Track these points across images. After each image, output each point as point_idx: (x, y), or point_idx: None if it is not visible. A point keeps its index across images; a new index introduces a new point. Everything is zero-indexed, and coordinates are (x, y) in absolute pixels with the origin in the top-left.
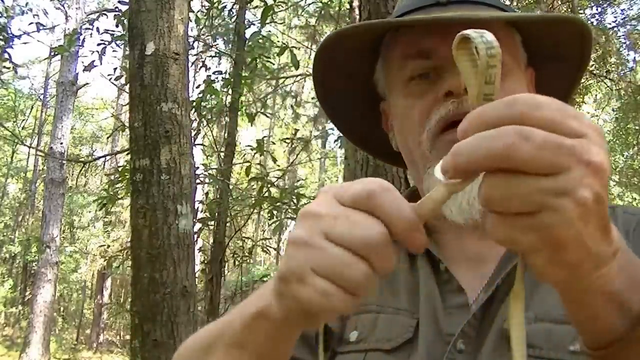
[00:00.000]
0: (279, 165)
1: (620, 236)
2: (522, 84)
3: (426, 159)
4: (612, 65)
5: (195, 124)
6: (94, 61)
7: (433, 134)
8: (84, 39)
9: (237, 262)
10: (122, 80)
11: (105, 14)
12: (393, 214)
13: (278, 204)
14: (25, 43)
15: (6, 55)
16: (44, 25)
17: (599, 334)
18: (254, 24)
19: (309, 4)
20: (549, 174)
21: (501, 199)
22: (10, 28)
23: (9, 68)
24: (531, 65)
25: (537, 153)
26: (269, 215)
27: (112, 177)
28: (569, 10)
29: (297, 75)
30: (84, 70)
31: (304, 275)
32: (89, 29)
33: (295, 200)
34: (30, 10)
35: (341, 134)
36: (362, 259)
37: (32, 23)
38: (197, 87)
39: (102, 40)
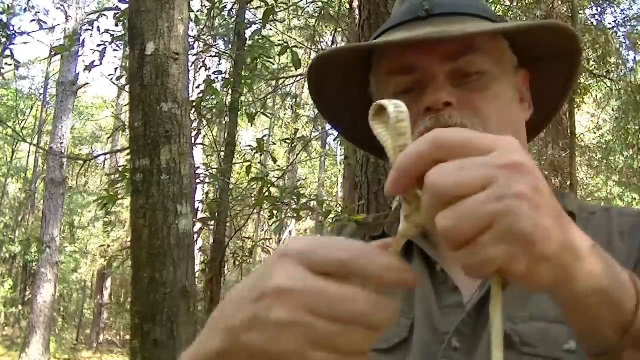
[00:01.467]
0: (279, 166)
1: (587, 236)
2: (507, 88)
3: None
4: (612, 65)
5: (195, 124)
6: (94, 61)
7: None
8: (84, 39)
9: (237, 262)
10: (123, 81)
11: (104, 15)
12: (376, 275)
13: (278, 203)
14: (25, 43)
15: (7, 52)
16: (45, 23)
17: (600, 337)
18: (254, 24)
19: (309, 3)
20: (482, 190)
21: (457, 225)
22: (12, 26)
23: (10, 65)
24: (526, 65)
25: (457, 178)
26: (270, 215)
27: (113, 177)
28: (569, 10)
29: (296, 76)
30: (84, 70)
31: (306, 354)
32: (89, 29)
33: (295, 200)
34: (33, 7)
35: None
36: (356, 325)
37: (33, 20)
38: (197, 87)
39: (102, 41)
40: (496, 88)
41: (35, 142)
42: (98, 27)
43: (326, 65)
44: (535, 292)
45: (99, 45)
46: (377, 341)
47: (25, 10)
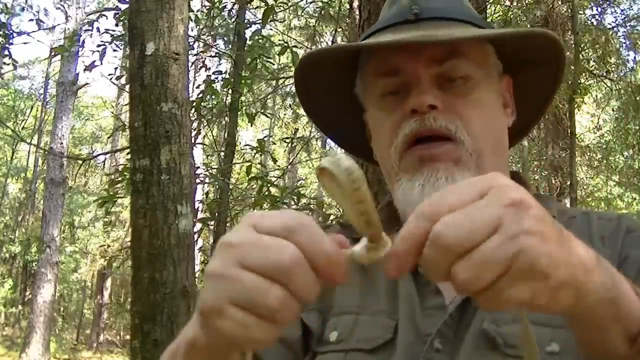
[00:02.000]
0: (279, 166)
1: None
2: (490, 94)
3: (394, 171)
4: (612, 65)
5: (195, 124)
6: (94, 61)
7: (400, 150)
8: (83, 40)
9: None
10: (123, 80)
11: (104, 15)
12: (310, 250)
13: (278, 203)
14: (25, 43)
15: (6, 52)
16: (43, 22)
17: (607, 348)
18: (254, 24)
19: (309, 3)
20: (492, 233)
21: (478, 275)
22: (11, 25)
23: (8, 64)
24: (511, 70)
25: (469, 227)
26: None
27: (113, 177)
28: (569, 10)
29: None
30: (84, 69)
31: (223, 308)
32: (89, 29)
33: (295, 200)
34: (31, 7)
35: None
36: (276, 283)
37: (32, 20)
38: (197, 87)
39: (102, 41)
40: (480, 94)
41: (35, 142)
42: (97, 28)
43: (313, 65)
44: (556, 314)
45: (99, 46)
46: (362, 342)
47: (23, 9)
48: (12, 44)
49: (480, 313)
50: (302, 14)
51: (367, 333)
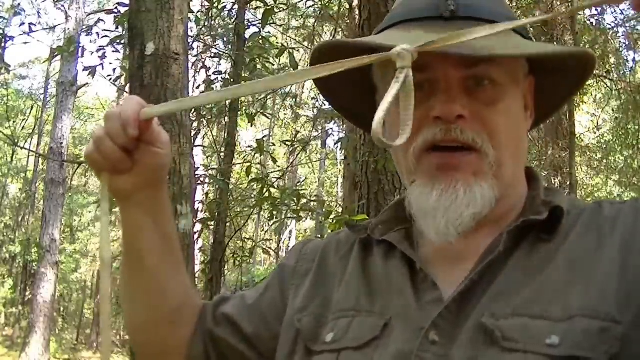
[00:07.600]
0: (279, 166)
1: None
2: (516, 100)
3: (410, 172)
4: (612, 65)
5: (195, 124)
6: (96, 66)
7: (418, 153)
8: (82, 45)
9: (237, 262)
10: (122, 81)
11: (106, 16)
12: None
13: (278, 204)
14: (25, 43)
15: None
16: (35, 24)
17: None
18: (253, 25)
19: (309, 7)
20: None
21: None
22: (10, 28)
23: (1, 67)
24: (534, 71)
25: None
26: (269, 216)
27: None
28: (568, 9)
29: None
30: (84, 70)
31: (92, 153)
32: (90, 29)
33: (295, 201)
34: (24, 10)
35: (342, 133)
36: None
37: (23, 24)
38: (197, 87)
39: (101, 45)
40: (507, 101)
41: (35, 142)
42: (97, 33)
43: (332, 51)
44: None
45: (99, 50)
46: (351, 341)
47: (15, 14)
48: (4, 48)
49: (479, 307)
50: (302, 15)
51: (358, 332)
